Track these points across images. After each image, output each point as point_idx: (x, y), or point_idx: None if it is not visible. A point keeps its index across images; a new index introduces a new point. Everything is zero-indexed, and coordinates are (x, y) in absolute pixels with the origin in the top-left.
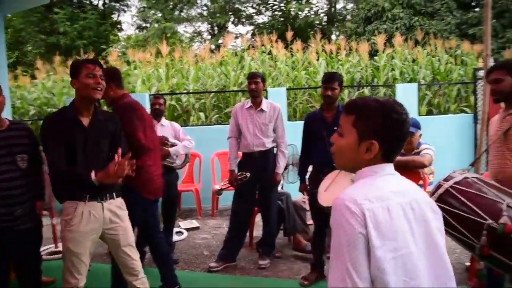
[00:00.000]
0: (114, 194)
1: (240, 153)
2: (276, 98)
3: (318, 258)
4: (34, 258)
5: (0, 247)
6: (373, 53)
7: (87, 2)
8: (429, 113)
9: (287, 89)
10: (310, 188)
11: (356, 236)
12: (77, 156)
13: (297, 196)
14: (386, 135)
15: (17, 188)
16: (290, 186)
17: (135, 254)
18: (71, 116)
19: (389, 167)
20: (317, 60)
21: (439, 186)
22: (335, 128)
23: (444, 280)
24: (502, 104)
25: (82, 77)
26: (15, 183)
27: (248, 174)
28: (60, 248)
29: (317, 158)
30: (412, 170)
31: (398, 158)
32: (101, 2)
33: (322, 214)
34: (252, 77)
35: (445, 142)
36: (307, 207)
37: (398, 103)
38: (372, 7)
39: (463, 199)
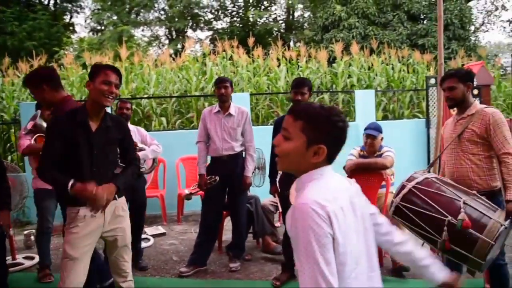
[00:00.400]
0: (116, 195)
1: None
2: (239, 103)
3: (289, 259)
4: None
5: None
6: (331, 61)
7: (37, 1)
8: (385, 118)
9: (250, 94)
10: (281, 190)
11: (326, 237)
12: (82, 160)
13: (265, 199)
14: (333, 141)
15: None
16: (257, 190)
17: (128, 255)
18: (80, 119)
19: (330, 168)
20: (278, 66)
21: (403, 187)
22: None
23: (375, 262)
24: (454, 109)
25: (98, 82)
26: None
27: (217, 178)
28: (18, 260)
29: None
30: (374, 171)
31: (361, 160)
32: (52, 2)
33: None
34: (221, 82)
35: (400, 145)
36: (275, 210)
37: (340, 111)
38: (330, 16)
39: (425, 197)
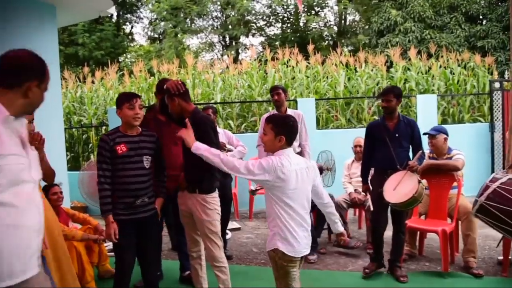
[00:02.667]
0: (190, 188)
1: None
2: (304, 108)
3: (377, 251)
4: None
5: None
6: (387, 65)
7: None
8: (444, 122)
9: (315, 99)
10: (374, 188)
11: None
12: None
13: (338, 196)
14: (289, 133)
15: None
16: (327, 189)
17: (212, 244)
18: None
19: (290, 149)
20: (336, 72)
21: (487, 187)
22: (397, 135)
23: (307, 206)
24: None
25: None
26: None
27: None
28: None
29: (381, 161)
30: (446, 173)
31: (433, 161)
32: (115, 14)
33: (385, 213)
34: (274, 89)
35: (463, 149)
36: (347, 207)
37: (292, 116)
38: (385, 21)
39: (510, 196)
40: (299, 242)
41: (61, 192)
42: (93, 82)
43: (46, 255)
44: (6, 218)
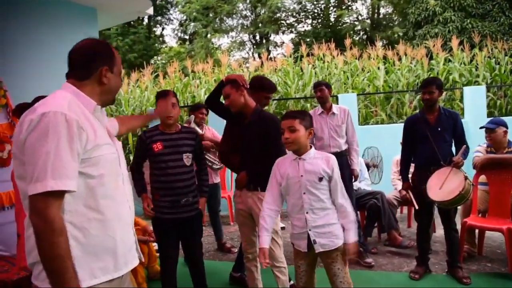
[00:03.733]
0: (251, 186)
1: None
2: (346, 104)
3: (424, 253)
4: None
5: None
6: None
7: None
8: (490, 114)
9: (357, 94)
10: (416, 185)
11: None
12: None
13: (388, 194)
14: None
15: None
16: (373, 187)
17: (273, 243)
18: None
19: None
20: (374, 66)
21: None
22: (439, 128)
23: None
24: None
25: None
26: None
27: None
28: None
29: (423, 158)
30: (508, 167)
31: (494, 155)
32: (146, 16)
33: (429, 212)
34: (317, 85)
35: None
36: (398, 204)
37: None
38: (422, 12)
39: None
40: None
41: None
42: (128, 84)
43: None
44: (110, 212)
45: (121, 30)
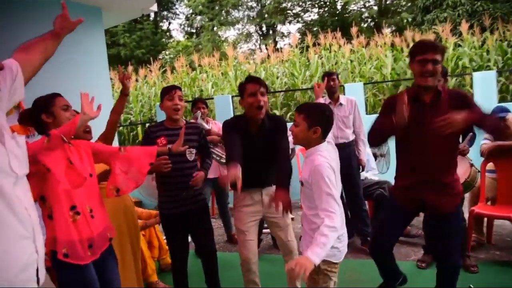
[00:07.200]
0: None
1: None
2: (353, 93)
3: (431, 242)
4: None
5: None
6: None
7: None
8: (503, 100)
9: (364, 83)
10: None
11: (333, 182)
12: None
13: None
14: (325, 124)
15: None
16: (381, 176)
17: (291, 236)
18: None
19: (325, 144)
20: (382, 53)
21: None
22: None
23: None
24: None
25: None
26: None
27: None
28: None
29: None
30: None
31: (502, 142)
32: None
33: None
34: (330, 75)
35: None
36: None
37: (327, 105)
38: None
39: None
40: None
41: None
42: (136, 80)
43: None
44: None
45: (128, 27)
